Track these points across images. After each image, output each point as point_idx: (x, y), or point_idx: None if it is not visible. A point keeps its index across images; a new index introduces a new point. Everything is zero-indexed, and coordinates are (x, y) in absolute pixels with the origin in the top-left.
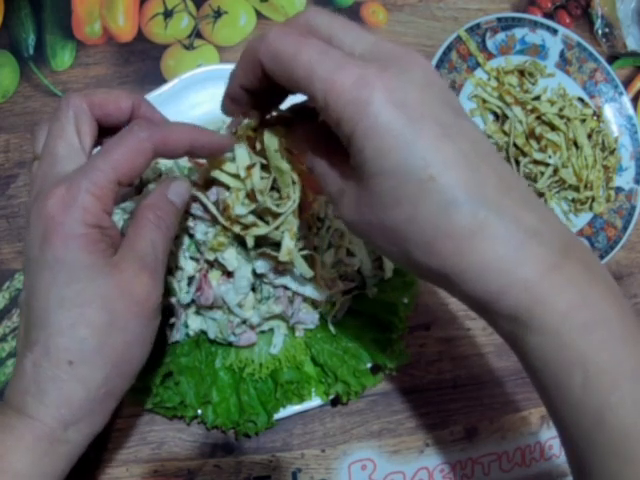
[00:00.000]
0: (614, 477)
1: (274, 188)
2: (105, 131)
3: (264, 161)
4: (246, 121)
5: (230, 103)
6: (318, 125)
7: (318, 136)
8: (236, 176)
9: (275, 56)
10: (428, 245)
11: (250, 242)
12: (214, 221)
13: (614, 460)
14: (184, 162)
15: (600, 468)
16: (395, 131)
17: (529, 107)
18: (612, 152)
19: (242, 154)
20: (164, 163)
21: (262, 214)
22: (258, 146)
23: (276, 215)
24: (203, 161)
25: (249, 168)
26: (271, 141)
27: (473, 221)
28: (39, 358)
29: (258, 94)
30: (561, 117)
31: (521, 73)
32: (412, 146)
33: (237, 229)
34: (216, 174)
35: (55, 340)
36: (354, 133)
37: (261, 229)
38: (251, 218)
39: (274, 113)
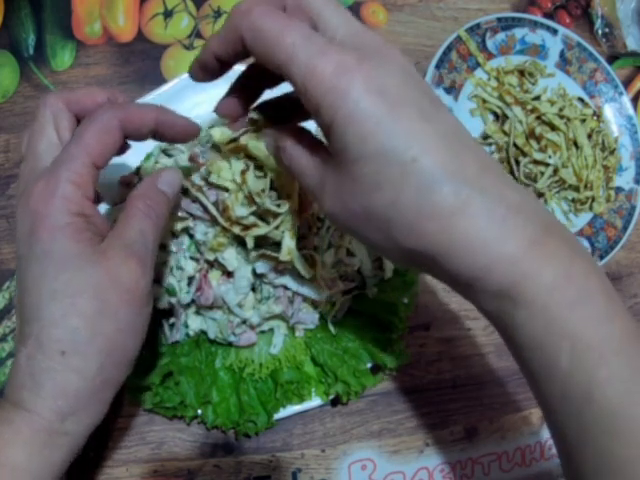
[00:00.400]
0: (602, 453)
1: (273, 188)
2: None
3: (258, 162)
4: (216, 130)
5: (199, 70)
6: (291, 120)
7: (293, 132)
8: (233, 181)
9: (258, 34)
10: (412, 226)
11: (250, 243)
12: (214, 222)
13: (602, 436)
14: (184, 162)
15: (588, 444)
16: (375, 117)
17: (529, 107)
18: (612, 152)
19: (236, 162)
20: (164, 163)
21: (262, 214)
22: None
23: (276, 215)
24: (203, 161)
25: (243, 173)
26: (257, 147)
27: (456, 200)
28: (33, 351)
29: (227, 65)
30: (561, 117)
31: (521, 73)
32: (393, 130)
33: (237, 230)
34: (214, 179)
35: (48, 332)
36: (334, 119)
37: (261, 229)
38: (251, 219)
39: (249, 116)
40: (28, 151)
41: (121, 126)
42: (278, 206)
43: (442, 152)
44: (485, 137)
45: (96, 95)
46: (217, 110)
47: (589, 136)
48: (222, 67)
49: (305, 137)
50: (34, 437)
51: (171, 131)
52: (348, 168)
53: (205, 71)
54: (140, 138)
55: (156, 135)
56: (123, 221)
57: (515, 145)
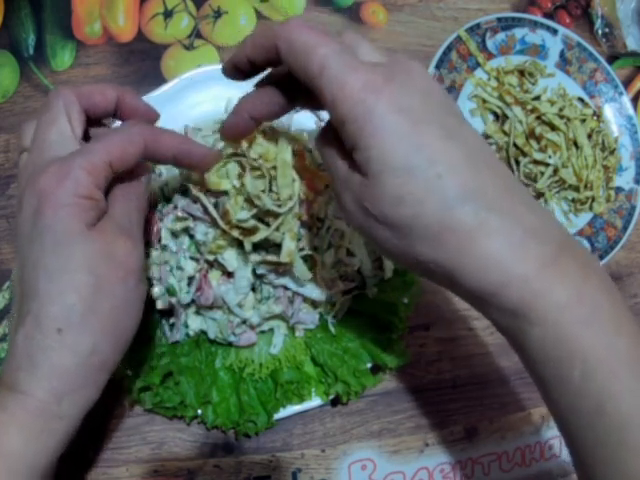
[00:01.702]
0: (613, 463)
1: (272, 191)
2: (92, 123)
3: (255, 164)
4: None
5: (232, 69)
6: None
7: (328, 130)
8: (233, 187)
9: (294, 44)
10: (434, 239)
11: (248, 246)
12: (214, 223)
13: (613, 447)
14: None
15: (599, 454)
16: (399, 133)
17: (529, 107)
18: (612, 152)
19: (233, 167)
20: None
21: (262, 216)
22: (244, 145)
23: (276, 215)
24: None
25: (241, 176)
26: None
27: (475, 219)
28: (31, 330)
29: (259, 69)
30: (561, 117)
31: (521, 73)
32: (418, 146)
33: (236, 234)
34: (213, 185)
35: (46, 309)
36: (361, 133)
37: (261, 233)
38: (252, 222)
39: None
40: (37, 140)
41: (146, 143)
42: (279, 206)
43: (465, 171)
44: (485, 137)
45: (107, 91)
46: (223, 135)
47: (589, 136)
48: (253, 70)
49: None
50: (29, 422)
51: (190, 160)
52: (371, 179)
53: (237, 71)
54: (160, 161)
55: (175, 161)
56: (109, 206)
57: (515, 145)
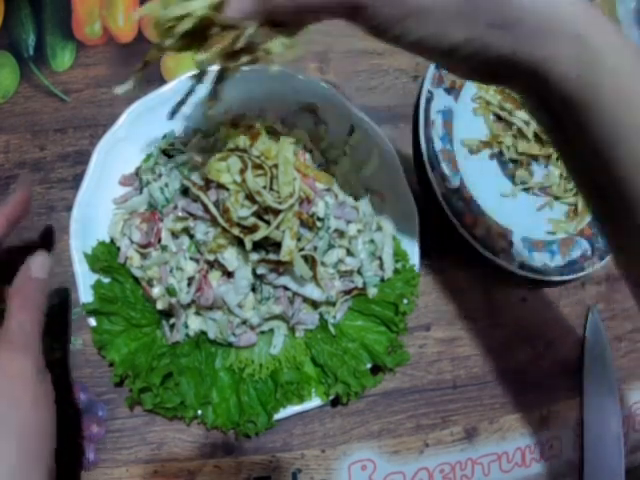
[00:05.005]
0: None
1: (273, 189)
2: None
3: (257, 161)
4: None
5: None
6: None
7: None
8: (233, 182)
9: None
10: (540, 32)
11: (248, 245)
12: (214, 222)
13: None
14: (184, 162)
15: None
16: None
17: None
18: None
19: (234, 161)
20: (164, 163)
21: (262, 213)
22: (247, 142)
23: (277, 212)
24: (202, 160)
25: (242, 172)
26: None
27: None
28: None
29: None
30: None
31: None
32: None
33: (236, 232)
34: (214, 176)
35: None
36: None
37: (262, 231)
38: (252, 220)
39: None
40: None
41: (7, 219)
42: (279, 203)
43: None
44: (487, 137)
45: None
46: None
47: None
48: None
49: None
50: None
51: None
52: None
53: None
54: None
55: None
56: (6, 318)
57: (516, 146)
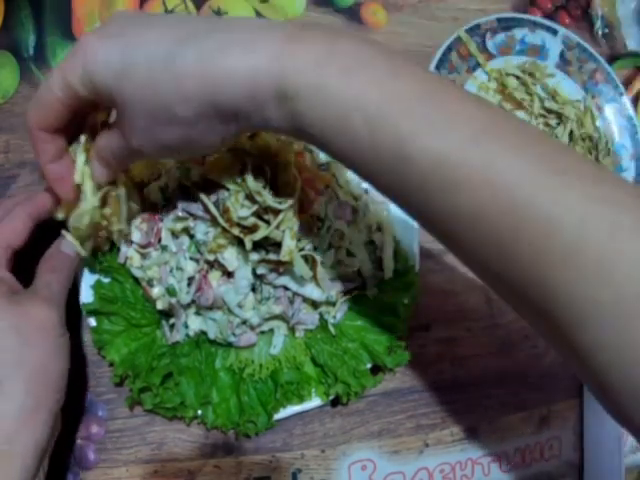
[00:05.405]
0: (437, 201)
1: (272, 189)
2: None
3: (257, 160)
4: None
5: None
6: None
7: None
8: (233, 182)
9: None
10: (178, 93)
11: (249, 245)
12: (214, 222)
13: (428, 189)
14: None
15: (417, 199)
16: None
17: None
18: (608, 153)
19: (234, 161)
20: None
21: (262, 213)
22: (247, 142)
23: (276, 212)
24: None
25: (242, 171)
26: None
27: (201, 52)
28: None
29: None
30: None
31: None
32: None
33: (236, 232)
34: (214, 177)
35: None
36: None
37: (262, 231)
38: (252, 220)
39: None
40: None
41: (28, 216)
42: (279, 203)
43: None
44: None
45: (7, 203)
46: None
47: (583, 139)
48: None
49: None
50: None
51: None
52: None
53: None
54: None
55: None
56: (36, 278)
57: None
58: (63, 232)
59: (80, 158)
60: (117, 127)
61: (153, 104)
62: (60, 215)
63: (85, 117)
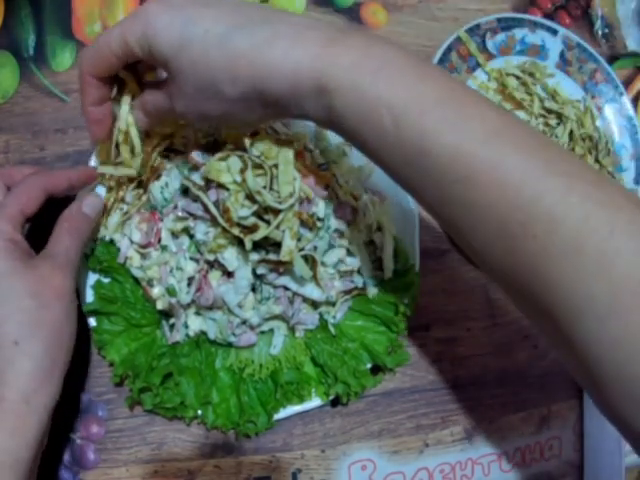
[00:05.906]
0: (454, 199)
1: (273, 189)
2: None
3: (257, 160)
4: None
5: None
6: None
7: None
8: (233, 182)
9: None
10: (228, 72)
11: (248, 245)
12: (214, 222)
13: (442, 182)
14: (182, 160)
15: (432, 195)
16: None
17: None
18: (608, 153)
19: (234, 161)
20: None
21: (262, 213)
22: (247, 142)
23: (277, 212)
24: (202, 161)
25: (242, 171)
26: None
27: (254, 39)
28: None
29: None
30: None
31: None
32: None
33: (236, 232)
34: (214, 176)
35: (2, 329)
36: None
37: (262, 231)
38: (252, 219)
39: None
40: None
41: (43, 187)
42: (279, 203)
43: (228, 14)
44: None
45: (24, 170)
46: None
47: (583, 139)
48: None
49: (147, 87)
50: (6, 421)
51: (78, 183)
52: (176, 79)
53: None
54: (58, 195)
55: (70, 188)
56: (52, 239)
57: None
58: (92, 193)
59: (124, 107)
60: (165, 88)
61: (203, 78)
62: (100, 160)
63: (134, 72)
